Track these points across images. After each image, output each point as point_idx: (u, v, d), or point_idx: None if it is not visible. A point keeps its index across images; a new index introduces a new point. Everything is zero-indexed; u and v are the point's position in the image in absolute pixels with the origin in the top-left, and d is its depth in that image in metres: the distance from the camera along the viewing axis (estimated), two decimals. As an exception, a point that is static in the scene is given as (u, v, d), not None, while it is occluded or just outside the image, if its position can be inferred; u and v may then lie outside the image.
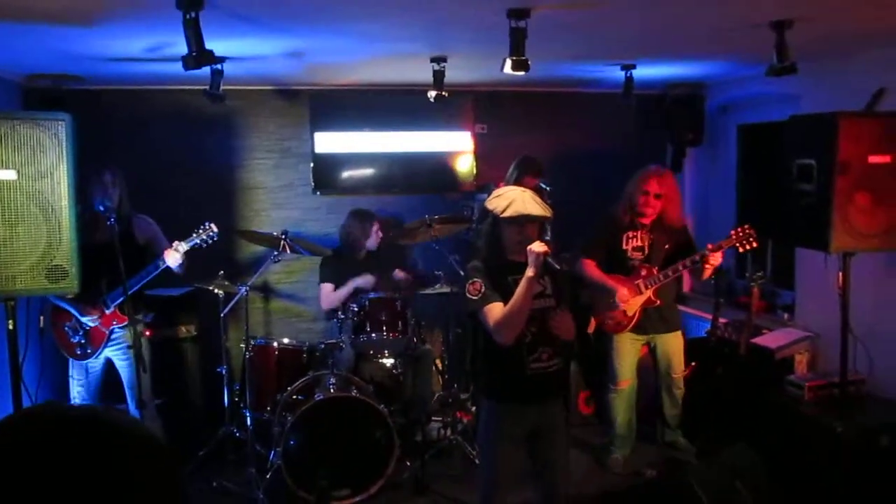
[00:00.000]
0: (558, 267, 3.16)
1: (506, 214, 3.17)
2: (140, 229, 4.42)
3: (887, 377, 4.32)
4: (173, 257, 4.20)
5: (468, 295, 3.22)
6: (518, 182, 5.25)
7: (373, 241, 5.35)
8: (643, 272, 4.71)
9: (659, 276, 4.67)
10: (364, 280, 5.16)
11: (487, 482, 3.36)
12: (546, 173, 5.14)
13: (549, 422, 3.35)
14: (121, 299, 4.10)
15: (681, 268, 4.61)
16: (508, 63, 3.33)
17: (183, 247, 4.25)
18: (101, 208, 3.92)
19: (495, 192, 3.33)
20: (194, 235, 4.32)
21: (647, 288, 4.69)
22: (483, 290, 3.19)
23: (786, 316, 5.33)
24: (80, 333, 4.28)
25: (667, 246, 4.76)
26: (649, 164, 4.80)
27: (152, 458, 0.94)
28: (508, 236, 3.24)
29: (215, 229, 4.37)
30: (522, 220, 3.18)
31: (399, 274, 5.44)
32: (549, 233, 4.93)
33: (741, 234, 4.52)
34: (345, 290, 5.16)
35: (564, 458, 3.44)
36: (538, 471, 3.39)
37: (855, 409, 4.08)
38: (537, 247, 3.11)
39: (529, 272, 3.11)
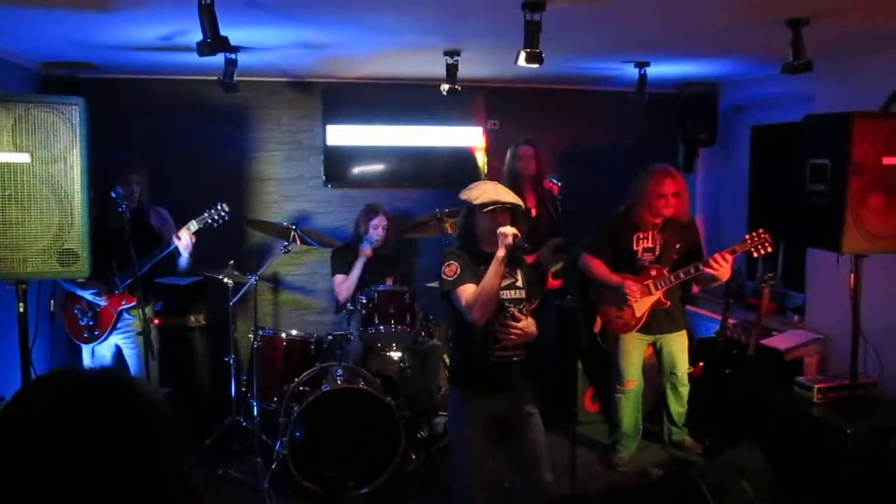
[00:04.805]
0: (527, 247, 3.31)
1: (479, 202, 3.30)
2: (154, 219, 4.44)
3: (897, 380, 4.29)
4: (184, 236, 4.22)
5: (443, 276, 3.34)
6: (515, 159, 5.38)
7: (371, 236, 5.30)
8: (653, 273, 4.67)
9: (670, 278, 4.63)
10: (364, 253, 5.20)
11: (460, 468, 3.42)
12: (557, 169, 5.13)
13: (519, 414, 3.40)
14: (130, 280, 4.11)
15: (693, 271, 4.54)
16: (522, 55, 3.33)
17: (193, 226, 4.26)
18: (114, 195, 3.93)
19: (470, 186, 3.46)
20: (206, 214, 4.33)
21: (657, 289, 4.66)
22: (458, 272, 3.30)
23: (796, 318, 5.30)
24: (89, 315, 4.30)
25: (678, 245, 4.72)
26: (654, 164, 4.70)
27: (163, 424, 0.96)
28: (482, 225, 3.36)
29: (227, 209, 4.38)
30: (496, 209, 3.28)
31: (388, 282, 5.36)
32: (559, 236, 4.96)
33: (756, 238, 4.42)
34: (356, 272, 5.18)
35: (542, 450, 3.42)
36: (516, 466, 3.45)
37: (864, 412, 4.05)
38: (507, 229, 3.24)
39: (499, 253, 3.22)
